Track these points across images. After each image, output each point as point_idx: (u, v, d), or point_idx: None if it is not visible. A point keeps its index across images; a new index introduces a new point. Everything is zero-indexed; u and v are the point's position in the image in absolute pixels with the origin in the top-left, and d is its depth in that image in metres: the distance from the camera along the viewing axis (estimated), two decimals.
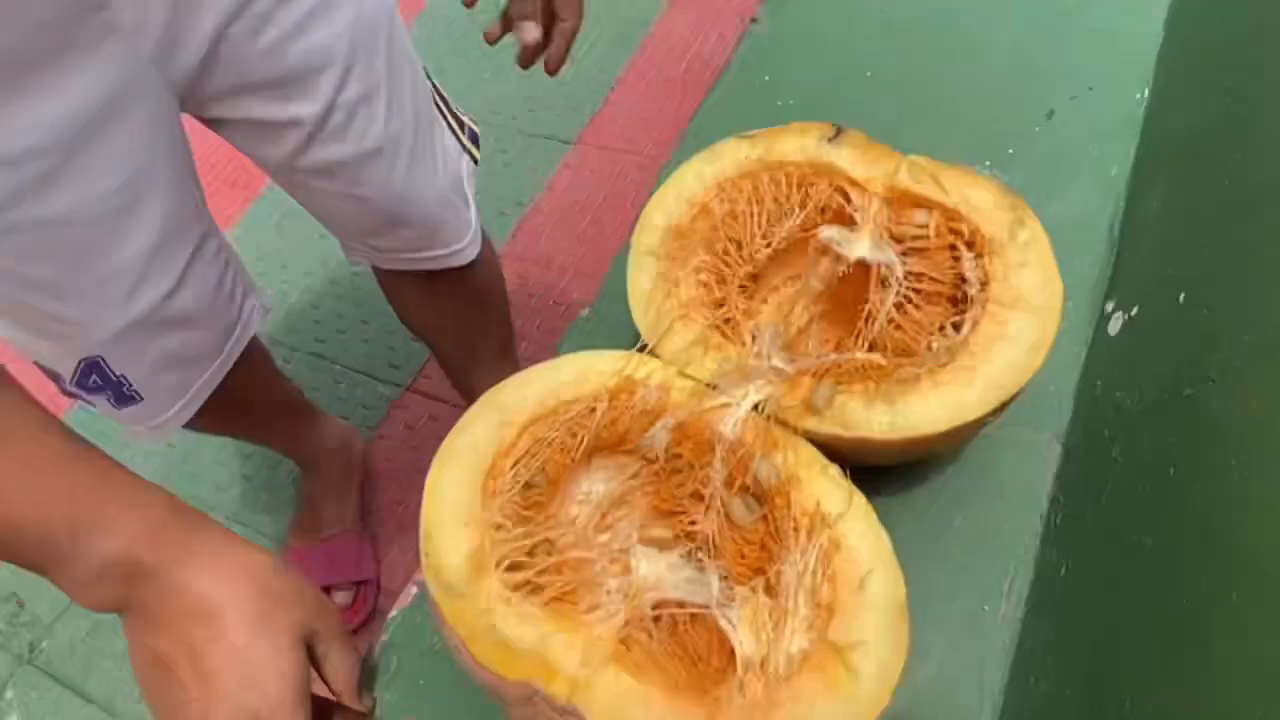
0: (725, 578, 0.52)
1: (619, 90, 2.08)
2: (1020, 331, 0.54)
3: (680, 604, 0.50)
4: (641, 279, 0.61)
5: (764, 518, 0.53)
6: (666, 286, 0.60)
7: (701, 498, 0.55)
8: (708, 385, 0.56)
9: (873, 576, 0.49)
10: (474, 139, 1.09)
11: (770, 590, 0.50)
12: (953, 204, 0.58)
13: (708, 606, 0.50)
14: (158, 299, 0.85)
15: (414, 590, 0.62)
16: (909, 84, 0.83)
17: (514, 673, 0.46)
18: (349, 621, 1.45)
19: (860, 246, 0.60)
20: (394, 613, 0.61)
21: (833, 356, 0.57)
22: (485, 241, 1.15)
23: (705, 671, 0.49)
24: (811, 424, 0.54)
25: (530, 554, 0.51)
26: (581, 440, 0.54)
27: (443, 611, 0.48)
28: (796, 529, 0.51)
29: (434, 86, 1.00)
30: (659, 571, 0.51)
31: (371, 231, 1.02)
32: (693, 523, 0.55)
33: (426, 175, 0.96)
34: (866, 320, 0.58)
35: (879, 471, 0.58)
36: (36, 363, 0.89)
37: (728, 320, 0.60)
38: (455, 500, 0.51)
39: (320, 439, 1.50)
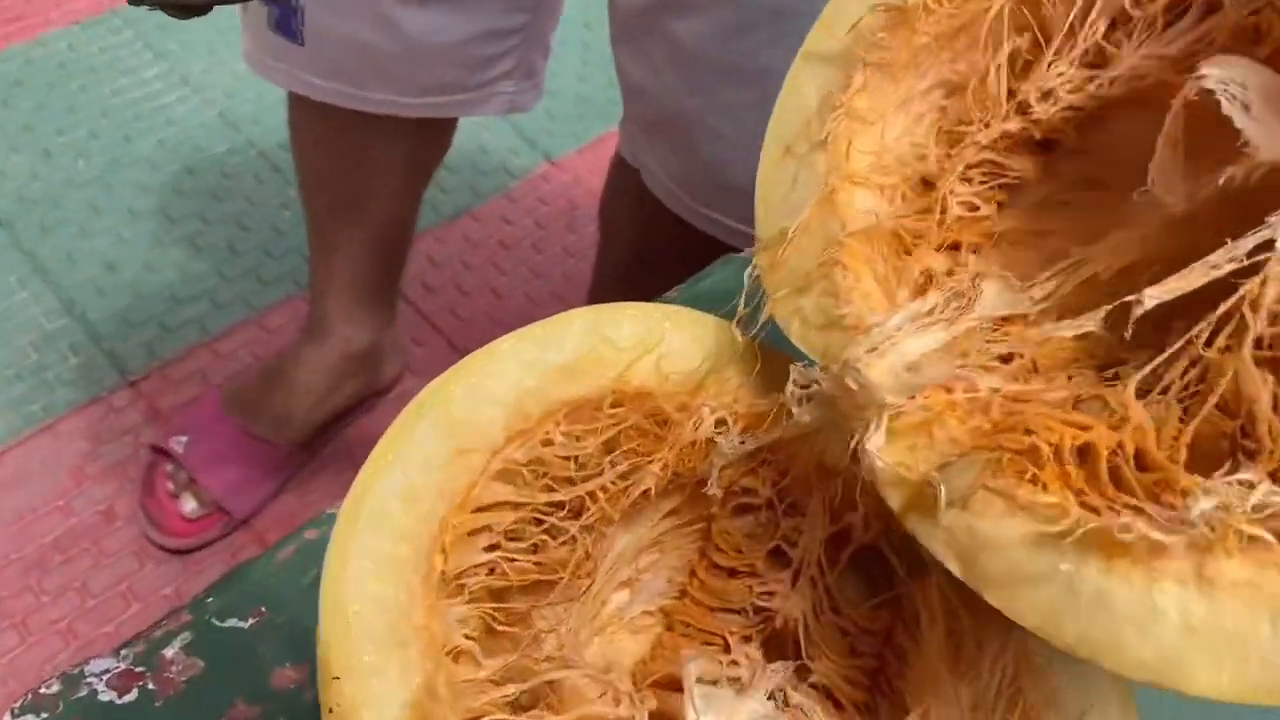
0: (829, 696, 0.30)
1: None
2: None
3: None
4: (806, 88, 0.32)
5: (887, 603, 0.31)
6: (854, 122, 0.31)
7: (785, 559, 0.33)
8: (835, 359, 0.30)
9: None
10: None
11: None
12: None
13: None
14: None
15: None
16: None
17: None
18: (173, 533, 1.08)
19: None
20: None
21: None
22: None
23: None
24: (913, 519, 0.27)
25: (513, 710, 0.27)
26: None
27: None
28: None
29: None
30: None
31: (683, 180, 0.77)
32: (768, 593, 0.33)
33: None
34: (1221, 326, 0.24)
35: None
36: None
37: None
38: (380, 602, 0.27)
39: (361, 328, 1.06)
